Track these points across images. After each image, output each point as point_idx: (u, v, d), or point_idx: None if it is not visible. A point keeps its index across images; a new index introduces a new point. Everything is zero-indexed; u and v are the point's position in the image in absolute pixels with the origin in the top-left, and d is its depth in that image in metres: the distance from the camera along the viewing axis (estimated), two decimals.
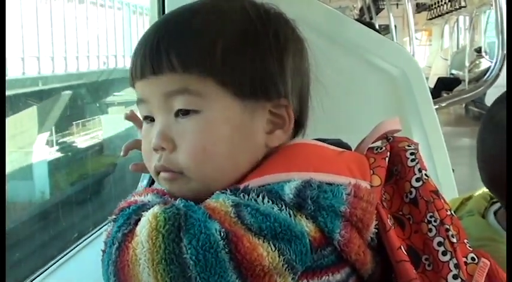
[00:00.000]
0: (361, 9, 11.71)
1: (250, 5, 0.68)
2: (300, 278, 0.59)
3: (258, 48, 0.66)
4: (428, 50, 15.61)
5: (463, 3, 10.13)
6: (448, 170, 1.68)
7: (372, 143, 0.73)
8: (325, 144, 0.70)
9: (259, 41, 0.66)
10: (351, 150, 0.73)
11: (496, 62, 2.17)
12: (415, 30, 15.42)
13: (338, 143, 0.72)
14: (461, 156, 7.76)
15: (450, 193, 1.63)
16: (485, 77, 2.05)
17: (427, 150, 1.65)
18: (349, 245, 0.60)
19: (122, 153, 0.84)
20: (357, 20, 5.40)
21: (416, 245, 0.66)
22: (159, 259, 0.55)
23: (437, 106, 1.83)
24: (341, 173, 0.64)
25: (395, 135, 0.74)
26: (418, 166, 0.69)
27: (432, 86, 11.63)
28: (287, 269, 0.57)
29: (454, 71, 12.64)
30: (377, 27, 6.67)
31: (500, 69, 2.10)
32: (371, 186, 0.66)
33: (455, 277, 0.64)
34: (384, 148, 0.71)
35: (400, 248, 0.64)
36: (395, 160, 0.70)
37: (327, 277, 0.61)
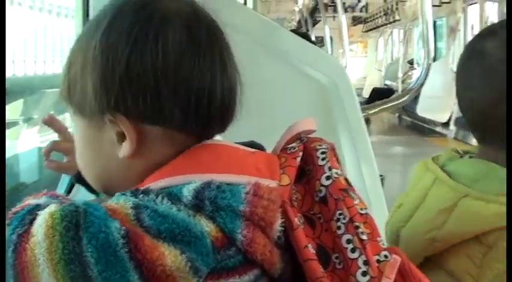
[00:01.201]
0: (299, 21, 11.91)
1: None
2: (206, 280, 0.58)
3: (81, 66, 0.68)
4: (364, 62, 15.98)
5: (397, 17, 10.46)
6: (376, 177, 1.72)
7: (288, 144, 0.71)
8: (236, 145, 0.70)
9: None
10: (264, 150, 0.73)
11: (422, 71, 2.27)
12: (352, 42, 15.86)
13: (251, 144, 0.72)
14: (394, 163, 8.02)
15: (377, 200, 1.68)
16: (411, 85, 2.13)
17: (354, 158, 1.69)
18: (253, 244, 0.60)
19: (44, 158, 0.83)
20: (292, 30, 5.50)
21: (327, 243, 0.66)
22: (58, 258, 0.54)
23: (365, 114, 1.88)
24: (246, 172, 0.64)
25: (310, 136, 0.73)
26: (329, 164, 0.68)
27: (367, 96, 11.93)
28: (190, 270, 0.56)
29: (388, 82, 13.00)
30: (313, 38, 6.79)
31: (425, 78, 2.20)
32: (280, 185, 0.65)
33: (364, 274, 0.63)
34: (297, 148, 0.70)
35: (307, 246, 0.64)
36: (308, 160, 0.69)
37: (234, 279, 0.60)
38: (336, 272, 0.65)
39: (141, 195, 0.60)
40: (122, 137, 0.66)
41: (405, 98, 2.00)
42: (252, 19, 1.81)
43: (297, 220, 0.65)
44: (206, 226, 0.58)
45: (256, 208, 0.60)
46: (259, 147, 0.72)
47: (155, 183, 0.62)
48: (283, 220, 0.63)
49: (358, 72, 15.59)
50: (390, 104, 2.44)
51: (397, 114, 12.32)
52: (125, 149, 0.66)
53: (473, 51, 0.92)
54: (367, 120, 11.57)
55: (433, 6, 8.54)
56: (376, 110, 2.21)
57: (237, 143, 0.71)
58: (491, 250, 0.81)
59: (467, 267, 0.83)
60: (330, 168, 0.68)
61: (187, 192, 0.59)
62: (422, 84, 2.15)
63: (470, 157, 0.94)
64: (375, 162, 1.75)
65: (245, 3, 5.00)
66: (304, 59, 1.69)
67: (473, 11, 8.99)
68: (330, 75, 1.67)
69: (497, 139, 0.87)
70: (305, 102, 1.67)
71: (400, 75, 12.15)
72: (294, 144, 0.71)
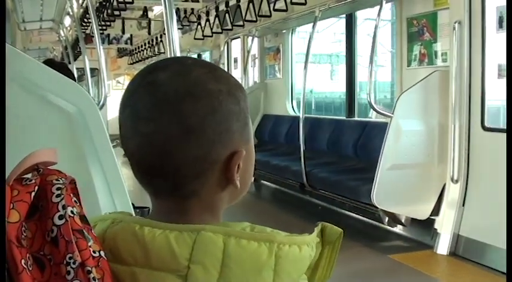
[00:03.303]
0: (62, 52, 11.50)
1: None
2: None
3: None
4: None
5: (162, 50, 10.68)
6: (128, 206, 1.73)
7: (23, 174, 0.66)
8: None
9: None
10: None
11: None
12: (119, 74, 15.81)
13: None
14: None
15: None
16: None
17: (105, 187, 1.69)
18: None
19: None
20: (47, 60, 5.31)
21: None
22: None
23: (115, 143, 1.90)
24: None
25: (51, 167, 0.69)
26: (63, 203, 0.64)
27: None
28: None
29: None
30: (74, 69, 6.64)
31: None
32: (8, 222, 0.60)
33: None
34: (33, 180, 0.65)
35: None
36: (41, 195, 0.65)
37: None
38: None
39: None
40: None
41: None
42: None
43: (23, 262, 0.60)
44: None
45: None
46: None
47: None
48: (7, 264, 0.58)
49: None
50: None
51: None
52: None
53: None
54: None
55: (196, 39, 9.00)
56: None
57: None
58: None
59: None
60: (64, 207, 0.64)
61: None
62: None
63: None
64: (127, 193, 1.76)
65: None
66: (50, 88, 1.65)
67: (236, 44, 9.60)
68: (76, 104, 1.66)
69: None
70: (52, 132, 1.63)
71: None
72: (29, 176, 0.66)
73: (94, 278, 0.63)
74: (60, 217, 0.64)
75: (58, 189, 0.65)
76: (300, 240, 0.74)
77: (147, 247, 0.72)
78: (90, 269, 0.63)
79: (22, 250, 0.61)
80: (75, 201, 0.68)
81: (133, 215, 0.83)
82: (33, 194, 0.64)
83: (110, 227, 0.76)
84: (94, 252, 0.65)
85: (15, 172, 0.66)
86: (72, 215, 0.65)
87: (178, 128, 0.73)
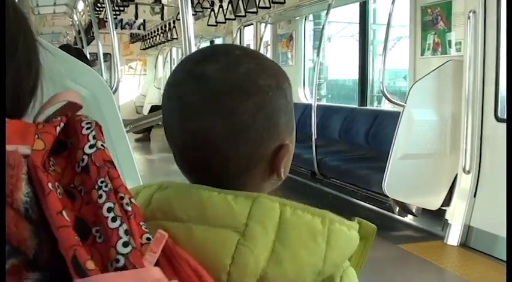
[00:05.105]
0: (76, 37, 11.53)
1: None
2: None
3: None
4: (143, 79, 16.04)
5: (175, 35, 10.67)
6: None
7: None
8: None
9: None
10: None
11: None
12: (131, 60, 15.82)
13: None
14: (175, 180, 8.15)
15: None
16: None
17: (119, 173, 1.70)
18: None
19: None
20: (64, 45, 5.33)
21: (87, 216, 0.59)
22: None
23: (129, 128, 1.91)
24: None
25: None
26: (93, 134, 0.63)
27: (147, 114, 11.98)
28: None
29: None
30: (87, 54, 6.66)
31: None
32: (33, 149, 0.58)
33: (125, 244, 0.57)
34: (59, 118, 0.63)
35: (61, 213, 0.57)
36: (70, 132, 0.63)
37: None
38: (95, 246, 0.58)
39: None
40: None
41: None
42: None
43: (50, 185, 0.57)
44: None
45: None
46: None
47: None
48: (30, 189, 0.56)
49: (137, 89, 15.60)
50: (152, 119, 2.50)
51: None
52: None
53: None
54: (147, 138, 11.54)
55: (209, 25, 8.99)
56: (139, 124, 2.25)
57: None
58: None
59: None
60: (94, 137, 0.63)
61: None
62: None
63: None
64: (140, 178, 1.78)
65: None
66: (64, 72, 1.66)
67: (248, 31, 9.57)
68: (91, 89, 1.67)
69: None
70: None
71: None
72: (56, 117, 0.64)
73: (127, 204, 0.60)
74: (91, 146, 0.62)
75: (88, 123, 0.64)
76: (348, 222, 0.75)
77: (205, 205, 0.72)
78: (123, 195, 0.60)
79: (48, 176, 0.59)
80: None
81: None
82: (58, 128, 0.62)
83: (156, 191, 0.77)
84: (125, 185, 0.62)
85: (44, 107, 0.65)
86: (102, 147, 0.63)
87: (228, 124, 0.74)
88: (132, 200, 0.62)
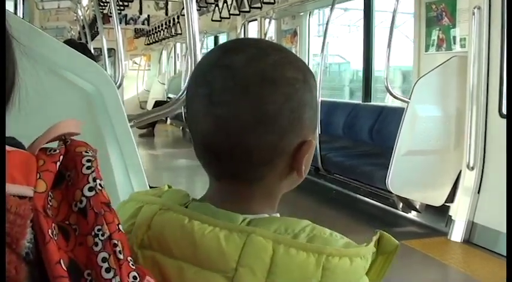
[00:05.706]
0: (80, 32, 11.53)
1: None
2: None
3: None
4: (147, 75, 16.04)
5: (179, 31, 10.65)
6: (144, 186, 1.74)
7: (47, 143, 0.64)
8: None
9: None
10: (23, 148, 0.64)
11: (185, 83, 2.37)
12: (135, 55, 15.82)
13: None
14: (178, 175, 8.17)
15: None
16: (178, 95, 2.22)
17: (123, 167, 1.70)
18: None
19: None
20: (68, 40, 5.32)
21: (80, 258, 0.61)
22: None
23: (133, 123, 1.91)
24: None
25: (74, 138, 0.67)
26: (94, 175, 0.63)
27: (151, 109, 11.98)
28: None
29: (170, 95, 13.20)
30: (91, 49, 6.66)
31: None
32: (35, 191, 0.59)
33: None
34: (58, 150, 0.63)
35: (59, 262, 0.58)
36: (70, 165, 0.64)
37: None
38: None
39: None
40: None
41: (173, 107, 2.07)
42: (14, 23, 1.73)
43: (50, 232, 0.59)
44: None
45: None
46: (18, 146, 0.64)
47: None
48: (32, 235, 0.57)
49: (141, 85, 15.61)
50: (157, 113, 2.50)
51: (181, 127, 12.58)
52: None
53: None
54: (151, 134, 11.52)
55: (213, 21, 8.98)
56: (144, 119, 2.25)
57: None
58: None
59: None
60: (94, 179, 0.63)
61: None
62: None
63: None
64: (144, 172, 1.77)
65: (15, 12, 4.75)
66: (68, 66, 1.66)
67: (252, 27, 9.56)
68: (95, 83, 1.67)
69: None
70: (70, 111, 1.64)
71: (183, 88, 12.38)
72: (55, 145, 0.64)
73: (120, 252, 0.62)
74: (90, 189, 0.63)
75: (88, 161, 0.64)
76: (353, 252, 0.73)
77: (196, 244, 0.73)
78: (116, 242, 0.62)
79: (48, 220, 0.59)
80: None
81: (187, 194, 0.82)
82: (58, 163, 0.63)
83: (157, 213, 0.77)
84: (117, 225, 0.64)
85: (40, 142, 0.64)
86: (100, 188, 0.64)
87: (254, 114, 0.74)
88: (122, 243, 0.63)
